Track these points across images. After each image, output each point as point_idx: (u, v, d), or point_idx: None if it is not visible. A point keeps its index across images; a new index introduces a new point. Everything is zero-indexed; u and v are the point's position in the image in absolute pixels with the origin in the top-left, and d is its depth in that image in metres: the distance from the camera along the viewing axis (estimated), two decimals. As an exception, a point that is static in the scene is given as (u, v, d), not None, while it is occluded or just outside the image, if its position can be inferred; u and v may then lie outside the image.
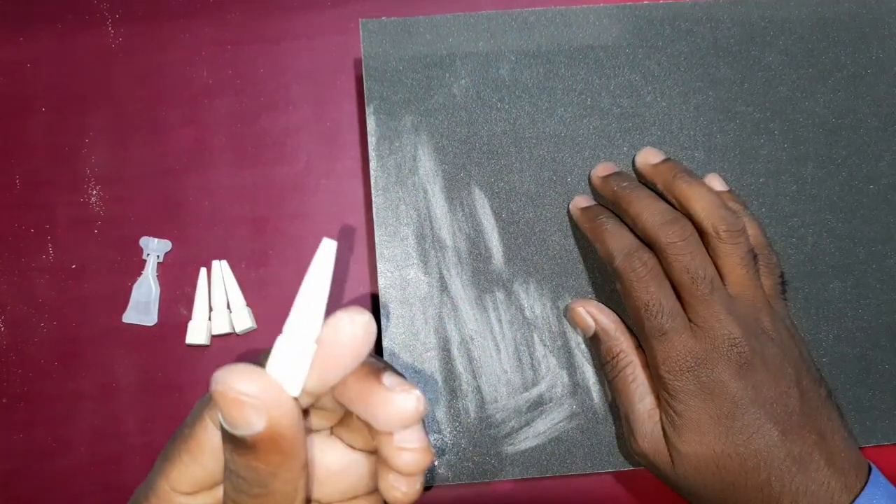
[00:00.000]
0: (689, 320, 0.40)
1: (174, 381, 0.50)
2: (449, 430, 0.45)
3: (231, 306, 0.51)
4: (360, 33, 0.46)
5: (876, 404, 0.46)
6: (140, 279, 0.52)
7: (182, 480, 0.29)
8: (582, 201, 0.46)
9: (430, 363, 0.45)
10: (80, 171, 0.53)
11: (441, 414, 0.45)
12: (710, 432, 0.39)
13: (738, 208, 0.44)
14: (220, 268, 0.52)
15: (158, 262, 0.52)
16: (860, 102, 0.47)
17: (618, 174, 0.45)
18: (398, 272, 0.46)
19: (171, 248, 0.52)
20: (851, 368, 0.46)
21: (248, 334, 0.50)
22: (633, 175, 0.46)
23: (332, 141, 0.54)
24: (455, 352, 0.45)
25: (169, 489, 0.29)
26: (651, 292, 0.40)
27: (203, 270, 0.52)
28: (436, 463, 0.45)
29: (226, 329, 0.49)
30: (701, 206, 0.42)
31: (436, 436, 0.45)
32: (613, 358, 0.43)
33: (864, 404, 0.46)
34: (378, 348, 0.47)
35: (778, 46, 0.47)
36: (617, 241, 0.43)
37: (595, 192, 0.46)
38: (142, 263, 0.52)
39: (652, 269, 0.41)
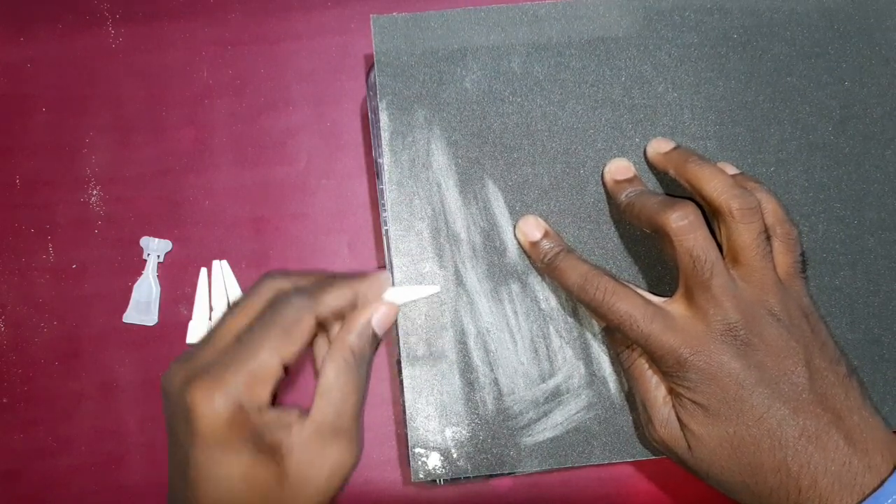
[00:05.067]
0: (688, 306, 0.40)
1: (181, 381, 0.50)
2: (467, 422, 0.44)
3: (231, 306, 0.51)
4: (372, 29, 0.46)
5: (890, 390, 0.46)
6: (140, 279, 0.52)
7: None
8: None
9: (447, 356, 0.45)
10: (81, 171, 0.53)
11: (459, 407, 0.45)
12: (721, 415, 0.39)
13: (754, 185, 0.43)
14: (221, 268, 0.52)
15: (159, 262, 0.52)
16: (866, 92, 0.48)
17: (629, 181, 0.45)
18: (413, 266, 0.46)
19: (172, 248, 0.52)
20: (865, 355, 0.46)
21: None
22: (646, 185, 0.46)
23: (332, 141, 0.54)
24: (472, 344, 0.45)
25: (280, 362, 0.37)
26: (622, 311, 0.41)
27: (203, 270, 0.52)
28: (455, 455, 0.44)
29: (230, 328, 0.49)
30: (713, 185, 0.41)
31: (454, 428, 0.44)
32: (627, 348, 0.43)
33: (879, 390, 0.46)
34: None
35: (785, 37, 0.48)
36: (572, 274, 0.43)
37: (606, 192, 0.46)
38: (142, 263, 0.52)
39: (612, 288, 0.41)
